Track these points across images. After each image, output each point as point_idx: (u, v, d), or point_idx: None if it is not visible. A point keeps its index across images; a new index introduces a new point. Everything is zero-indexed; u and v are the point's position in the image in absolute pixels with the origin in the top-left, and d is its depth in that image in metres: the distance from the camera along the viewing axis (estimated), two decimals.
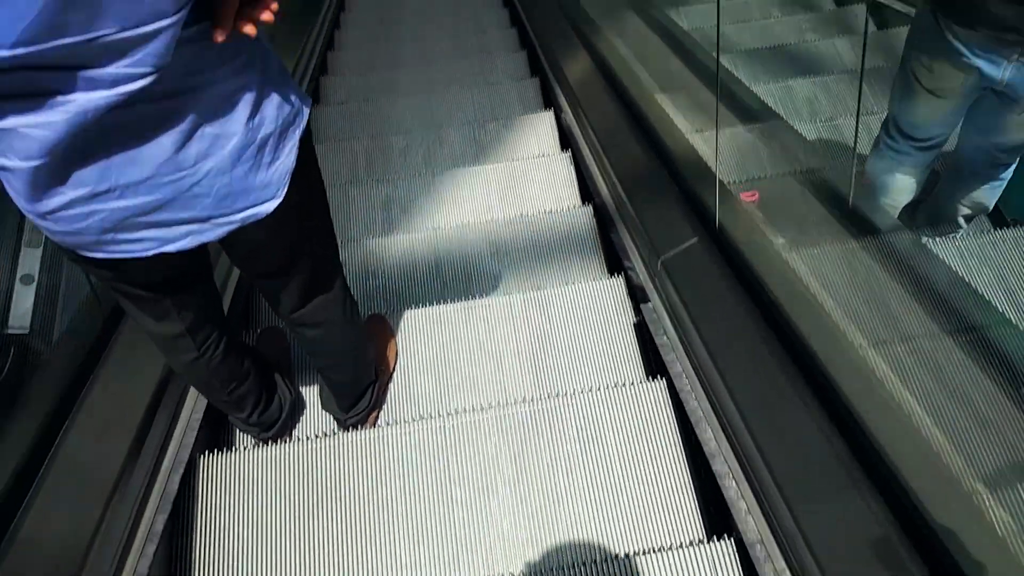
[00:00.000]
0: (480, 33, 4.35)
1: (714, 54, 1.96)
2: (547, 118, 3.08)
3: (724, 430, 1.42)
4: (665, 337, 1.74)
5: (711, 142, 1.83)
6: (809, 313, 1.39)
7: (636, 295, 1.94)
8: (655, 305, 1.82)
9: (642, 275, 1.93)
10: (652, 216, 1.94)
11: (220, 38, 0.87)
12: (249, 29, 0.89)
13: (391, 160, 2.98)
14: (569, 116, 2.94)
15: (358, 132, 3.26)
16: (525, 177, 2.68)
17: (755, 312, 1.46)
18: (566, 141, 2.92)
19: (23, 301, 1.54)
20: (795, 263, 1.55)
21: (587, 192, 2.55)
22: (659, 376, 1.70)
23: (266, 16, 0.90)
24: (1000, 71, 1.57)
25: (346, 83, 3.76)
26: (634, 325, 1.91)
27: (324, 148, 2.98)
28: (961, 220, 2.06)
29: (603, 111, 2.56)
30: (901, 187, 2.00)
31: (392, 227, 2.55)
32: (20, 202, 0.92)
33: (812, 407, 1.25)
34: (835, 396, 1.22)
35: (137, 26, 0.77)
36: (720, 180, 1.68)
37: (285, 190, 1.05)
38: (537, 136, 3.01)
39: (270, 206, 1.04)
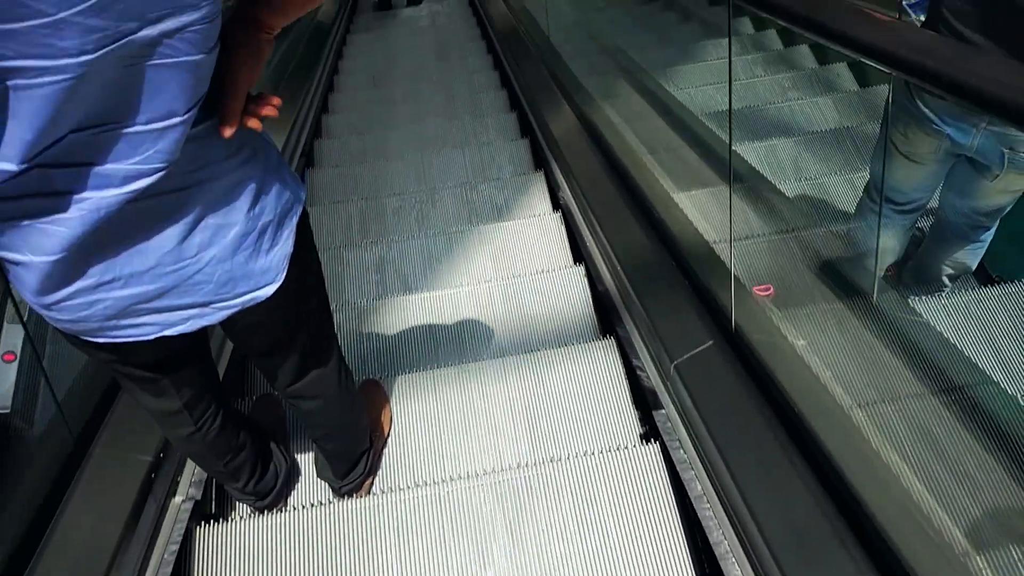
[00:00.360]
0: (472, 95, 4.45)
1: (721, 132, 1.98)
2: (538, 180, 3.14)
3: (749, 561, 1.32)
4: (682, 451, 1.65)
5: (718, 226, 1.80)
6: (834, 427, 1.33)
7: (648, 399, 1.85)
8: (669, 413, 1.73)
9: (653, 378, 1.84)
10: (662, 314, 1.82)
11: (227, 134, 0.91)
12: (254, 124, 0.93)
13: (385, 221, 3.03)
14: (566, 194, 2.87)
15: (352, 194, 3.31)
16: (517, 238, 2.72)
17: (773, 422, 1.39)
18: (557, 200, 2.97)
19: (4, 379, 1.53)
20: (797, 338, 1.51)
21: (578, 252, 2.59)
22: (653, 439, 1.71)
23: (268, 111, 0.95)
24: (969, 139, 1.62)
25: (340, 145, 3.83)
26: (630, 393, 1.91)
27: (318, 210, 3.02)
28: (945, 279, 2.10)
29: (601, 191, 2.50)
30: (883, 248, 2.05)
31: (385, 289, 2.57)
32: (26, 294, 0.94)
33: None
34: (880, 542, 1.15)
35: (148, 123, 0.80)
36: (736, 276, 1.63)
37: (284, 274, 1.08)
38: (528, 196, 3.07)
39: (269, 290, 1.07)
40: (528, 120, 3.70)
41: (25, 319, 1.53)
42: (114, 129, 0.79)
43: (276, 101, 0.96)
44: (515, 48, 4.65)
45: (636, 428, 1.84)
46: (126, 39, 0.73)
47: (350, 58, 5.72)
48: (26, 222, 0.83)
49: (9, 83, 0.70)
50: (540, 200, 3.05)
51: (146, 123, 0.80)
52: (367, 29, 6.57)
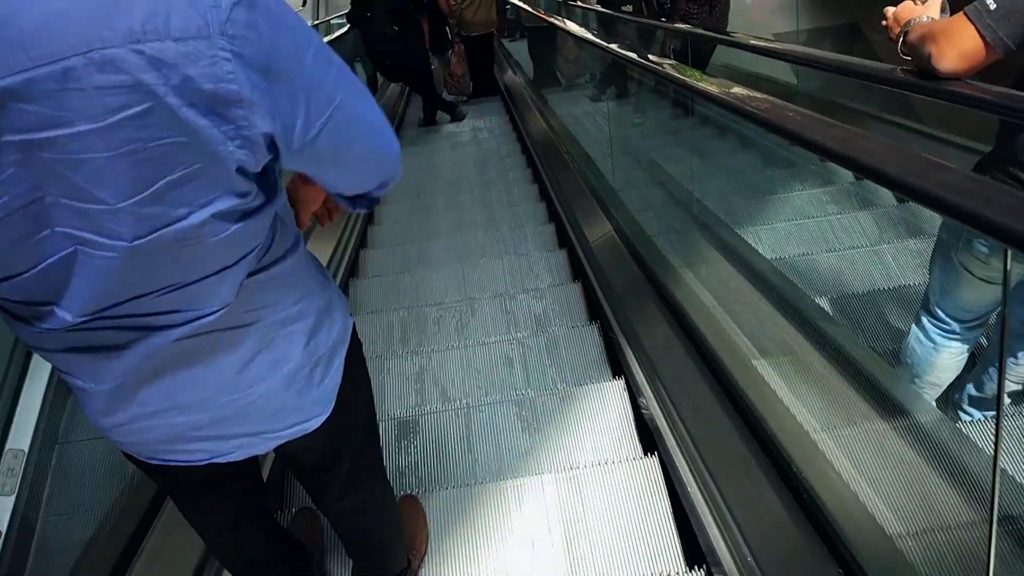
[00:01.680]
0: (511, 206, 4.59)
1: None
2: (575, 290, 3.19)
3: None
4: None
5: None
6: None
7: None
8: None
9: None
10: None
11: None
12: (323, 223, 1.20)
13: (425, 331, 3.08)
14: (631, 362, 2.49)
15: (393, 303, 3.38)
16: (555, 347, 2.74)
17: None
18: (592, 313, 2.99)
19: None
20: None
21: (615, 361, 2.59)
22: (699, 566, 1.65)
23: (327, 223, 1.19)
24: None
25: (384, 255, 3.95)
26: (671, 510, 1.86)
27: (360, 320, 3.09)
28: (1008, 397, 2.03)
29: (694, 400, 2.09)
30: (946, 365, 1.98)
31: (424, 400, 2.59)
32: (90, 415, 0.99)
33: None
34: None
35: (201, 279, 0.85)
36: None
37: (333, 404, 1.11)
38: (566, 309, 3.11)
39: (318, 421, 1.10)
40: (565, 232, 3.79)
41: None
42: (172, 291, 0.84)
43: (335, 216, 1.20)
44: (553, 163, 4.80)
45: (680, 554, 1.79)
46: (178, 224, 0.77)
47: None
48: (85, 355, 0.89)
49: (79, 248, 0.77)
50: (577, 310, 3.09)
51: (200, 278, 0.85)
52: (412, 143, 6.83)
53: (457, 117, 7.14)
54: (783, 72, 4.66)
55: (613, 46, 3.52)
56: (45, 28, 0.67)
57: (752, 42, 2.76)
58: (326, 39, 6.49)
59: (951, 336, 1.95)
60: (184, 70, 0.72)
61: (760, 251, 2.99)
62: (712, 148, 4.41)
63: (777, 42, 2.88)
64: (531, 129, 5.92)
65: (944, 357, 1.98)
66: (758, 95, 1.61)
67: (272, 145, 0.81)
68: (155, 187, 0.74)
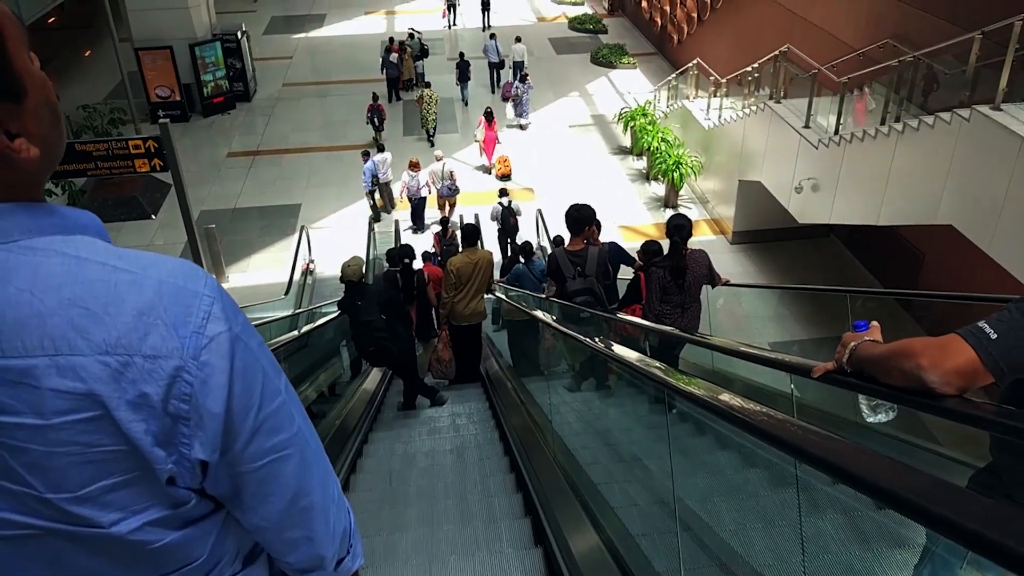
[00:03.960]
0: (487, 497, 4.40)
1: None
2: None
3: None
4: None
5: None
6: None
7: None
8: None
9: None
10: None
11: None
12: None
13: None
14: None
15: None
16: None
17: None
18: None
19: None
20: None
21: None
22: None
23: None
24: None
25: None
26: None
27: None
28: None
29: None
30: None
31: None
32: None
33: None
34: None
35: None
36: None
37: None
38: None
39: None
40: (542, 527, 3.60)
41: None
42: None
43: None
44: (532, 453, 4.67)
45: None
46: (100, 529, 0.79)
47: (369, 456, 5.75)
48: None
49: None
50: None
51: None
52: (389, 427, 6.69)
53: (437, 402, 7.08)
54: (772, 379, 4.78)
55: (593, 341, 3.65)
56: (22, 327, 0.72)
57: (719, 343, 2.90)
58: (308, 328, 6.74)
59: None
60: (142, 386, 0.75)
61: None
62: (694, 446, 4.38)
63: (752, 347, 2.98)
64: (511, 418, 5.88)
65: None
66: (757, 407, 1.65)
67: (205, 470, 0.83)
68: (88, 489, 0.76)
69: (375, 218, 13.44)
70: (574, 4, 24.84)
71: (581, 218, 5.48)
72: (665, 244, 5.66)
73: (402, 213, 13.65)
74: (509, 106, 16.97)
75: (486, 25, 22.03)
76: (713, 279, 5.64)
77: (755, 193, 11.84)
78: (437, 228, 12.12)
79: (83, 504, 0.76)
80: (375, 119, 15.72)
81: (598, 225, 6.89)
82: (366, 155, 13.33)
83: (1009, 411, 1.40)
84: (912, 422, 3.40)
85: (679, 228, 5.38)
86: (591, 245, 5.70)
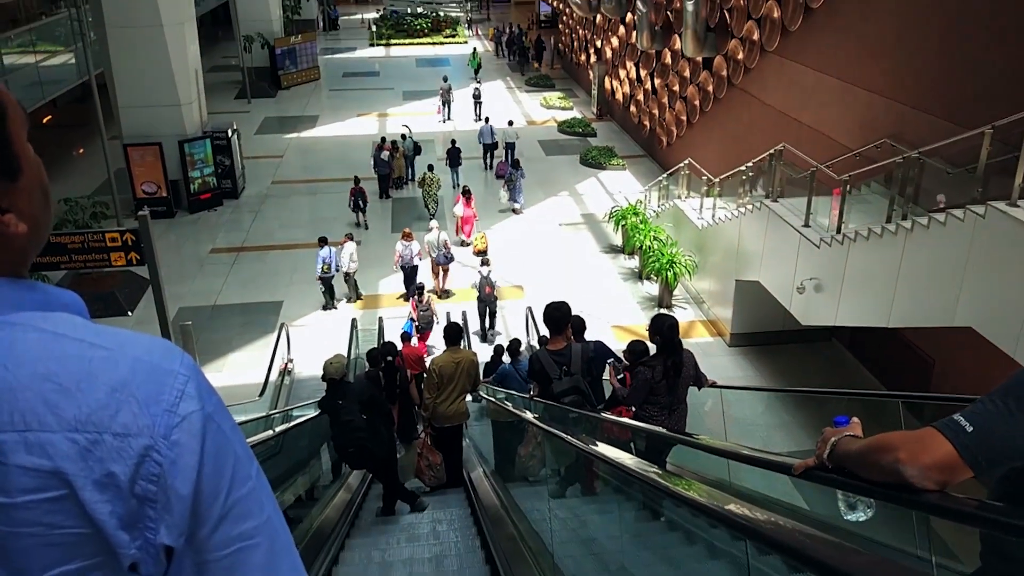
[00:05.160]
0: None
1: None
2: None
3: None
4: None
5: None
6: None
7: None
8: None
9: None
10: None
11: None
12: None
13: None
14: None
15: None
16: None
17: None
18: None
19: None
20: None
21: None
22: None
23: None
24: None
25: None
26: None
27: None
28: None
29: None
30: None
31: None
32: None
33: None
34: None
35: None
36: None
37: None
38: None
39: None
40: None
41: None
42: None
43: None
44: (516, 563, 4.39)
45: None
46: None
47: (345, 564, 5.41)
48: None
49: None
50: None
51: None
52: (366, 534, 6.33)
53: (418, 508, 6.82)
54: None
55: (587, 444, 3.55)
56: None
57: (709, 443, 3.03)
58: (286, 426, 6.50)
59: None
60: (110, 465, 0.75)
61: None
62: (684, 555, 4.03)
63: (739, 447, 2.92)
64: (495, 528, 5.58)
65: None
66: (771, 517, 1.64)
67: (169, 557, 0.80)
68: (50, 573, 0.74)
69: (325, 306, 13.39)
70: (563, 109, 25.36)
71: (560, 316, 5.42)
72: (650, 344, 5.62)
73: (385, 311, 13.18)
74: (503, 192, 17.27)
75: (477, 116, 23.11)
76: (700, 380, 5.59)
77: (753, 294, 11.48)
78: (415, 296, 12.16)
79: None
80: (358, 201, 16.04)
81: (583, 324, 6.97)
82: (323, 241, 13.17)
83: (991, 505, 1.40)
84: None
85: (674, 328, 5.32)
86: (573, 343, 5.67)
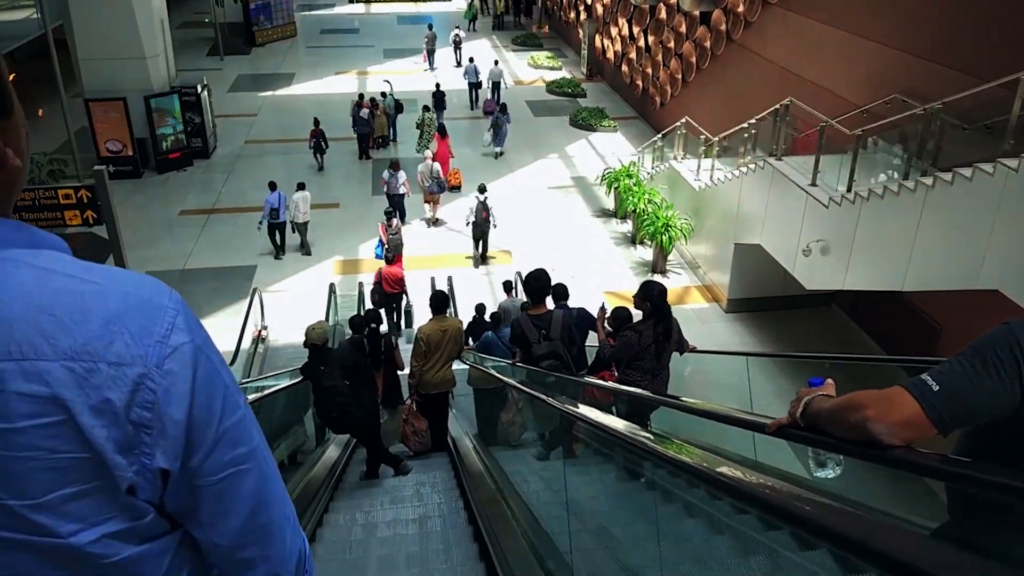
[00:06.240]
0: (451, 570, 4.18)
1: None
2: None
3: None
4: None
5: None
6: None
7: None
8: None
9: None
10: None
11: None
12: None
13: None
14: None
15: None
16: None
17: None
18: None
19: None
20: None
21: None
22: None
23: None
24: None
25: None
26: None
27: None
28: None
29: None
30: None
31: None
32: None
33: None
34: None
35: None
36: None
37: None
38: None
39: None
40: None
41: None
42: None
43: None
44: (500, 529, 4.42)
45: None
46: (57, 539, 0.79)
47: (329, 526, 5.42)
48: None
49: None
50: None
51: None
52: (350, 496, 6.29)
53: (401, 471, 6.82)
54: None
55: (565, 406, 3.64)
56: None
57: (691, 404, 3.06)
58: (256, 396, 6.39)
59: None
60: (106, 392, 0.78)
61: None
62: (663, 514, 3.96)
63: (715, 406, 2.94)
64: (478, 490, 5.55)
65: None
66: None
67: (166, 481, 0.84)
68: (49, 496, 0.77)
69: (275, 255, 13.22)
70: (552, 69, 24.50)
71: (540, 286, 5.52)
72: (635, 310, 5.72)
73: (366, 276, 12.54)
74: (487, 134, 17.18)
75: (458, 62, 23.38)
76: (682, 345, 5.71)
77: (752, 258, 10.93)
78: (385, 221, 12.37)
79: (43, 512, 0.77)
80: (320, 142, 16.15)
81: (565, 291, 7.17)
82: (272, 186, 13.00)
83: (956, 460, 1.46)
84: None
85: (663, 294, 5.42)
86: (555, 308, 5.81)
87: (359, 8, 34.36)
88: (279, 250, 13.17)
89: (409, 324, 11.42)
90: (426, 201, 14.42)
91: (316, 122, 16.18)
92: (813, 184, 9.10)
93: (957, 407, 1.41)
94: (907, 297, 9.49)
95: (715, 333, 11.25)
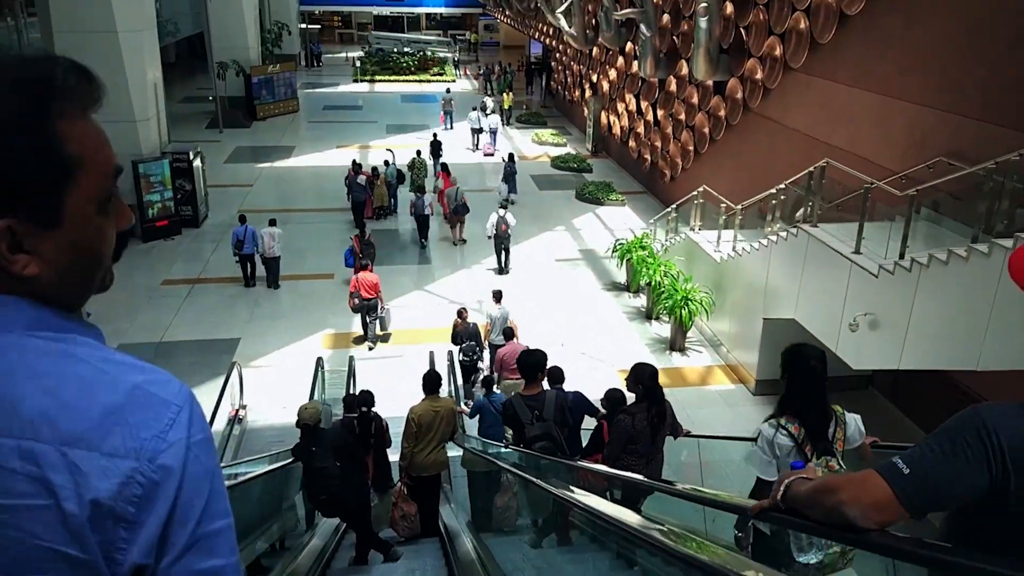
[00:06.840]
0: None
1: None
2: None
3: None
4: None
5: None
6: None
7: None
8: None
9: None
10: None
11: None
12: None
13: None
14: None
15: None
16: None
17: None
18: None
19: None
20: None
21: None
22: None
23: None
24: None
25: None
26: None
27: None
28: None
29: None
30: None
31: None
32: None
33: None
34: None
35: None
36: None
37: None
38: None
39: None
40: None
41: None
42: None
43: None
44: None
45: None
46: None
47: None
48: None
49: None
50: None
51: None
52: None
53: (391, 558, 6.64)
54: None
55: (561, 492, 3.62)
56: None
57: (676, 488, 3.09)
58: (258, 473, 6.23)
59: None
60: (94, 481, 0.77)
61: None
62: None
63: (698, 490, 2.92)
64: None
65: None
66: None
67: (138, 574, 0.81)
68: None
69: (244, 283, 13.57)
70: (556, 145, 24.11)
71: (533, 363, 5.54)
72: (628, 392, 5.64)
73: (358, 350, 11.47)
74: (503, 185, 17.77)
75: (475, 145, 24.59)
76: (676, 429, 5.63)
77: (784, 334, 9.88)
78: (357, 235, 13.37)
79: None
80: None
81: (561, 374, 6.72)
82: (242, 219, 13.54)
83: (928, 543, 1.40)
84: None
85: (654, 376, 5.35)
86: (548, 389, 5.84)
87: (363, 87, 34.48)
88: (248, 280, 13.56)
89: (384, 328, 11.93)
90: (450, 223, 15.84)
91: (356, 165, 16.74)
92: (857, 252, 8.18)
93: (926, 490, 1.43)
94: (953, 375, 8.46)
95: (742, 417, 10.12)
